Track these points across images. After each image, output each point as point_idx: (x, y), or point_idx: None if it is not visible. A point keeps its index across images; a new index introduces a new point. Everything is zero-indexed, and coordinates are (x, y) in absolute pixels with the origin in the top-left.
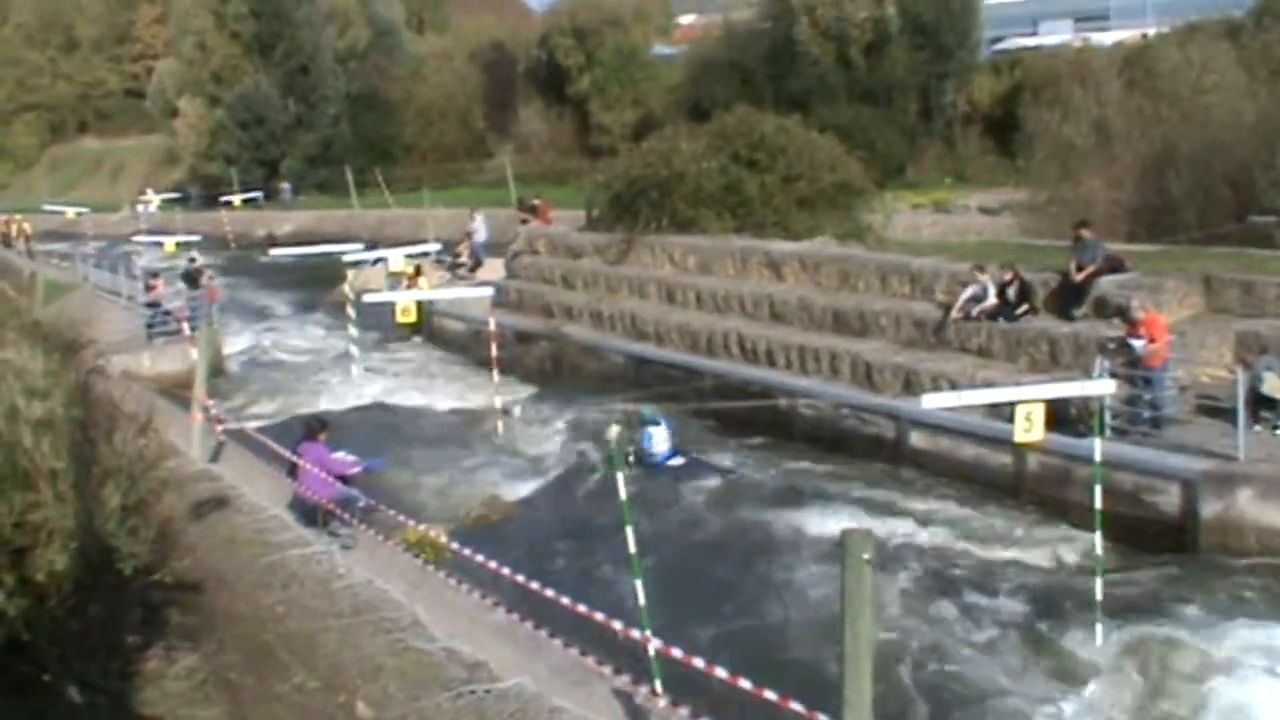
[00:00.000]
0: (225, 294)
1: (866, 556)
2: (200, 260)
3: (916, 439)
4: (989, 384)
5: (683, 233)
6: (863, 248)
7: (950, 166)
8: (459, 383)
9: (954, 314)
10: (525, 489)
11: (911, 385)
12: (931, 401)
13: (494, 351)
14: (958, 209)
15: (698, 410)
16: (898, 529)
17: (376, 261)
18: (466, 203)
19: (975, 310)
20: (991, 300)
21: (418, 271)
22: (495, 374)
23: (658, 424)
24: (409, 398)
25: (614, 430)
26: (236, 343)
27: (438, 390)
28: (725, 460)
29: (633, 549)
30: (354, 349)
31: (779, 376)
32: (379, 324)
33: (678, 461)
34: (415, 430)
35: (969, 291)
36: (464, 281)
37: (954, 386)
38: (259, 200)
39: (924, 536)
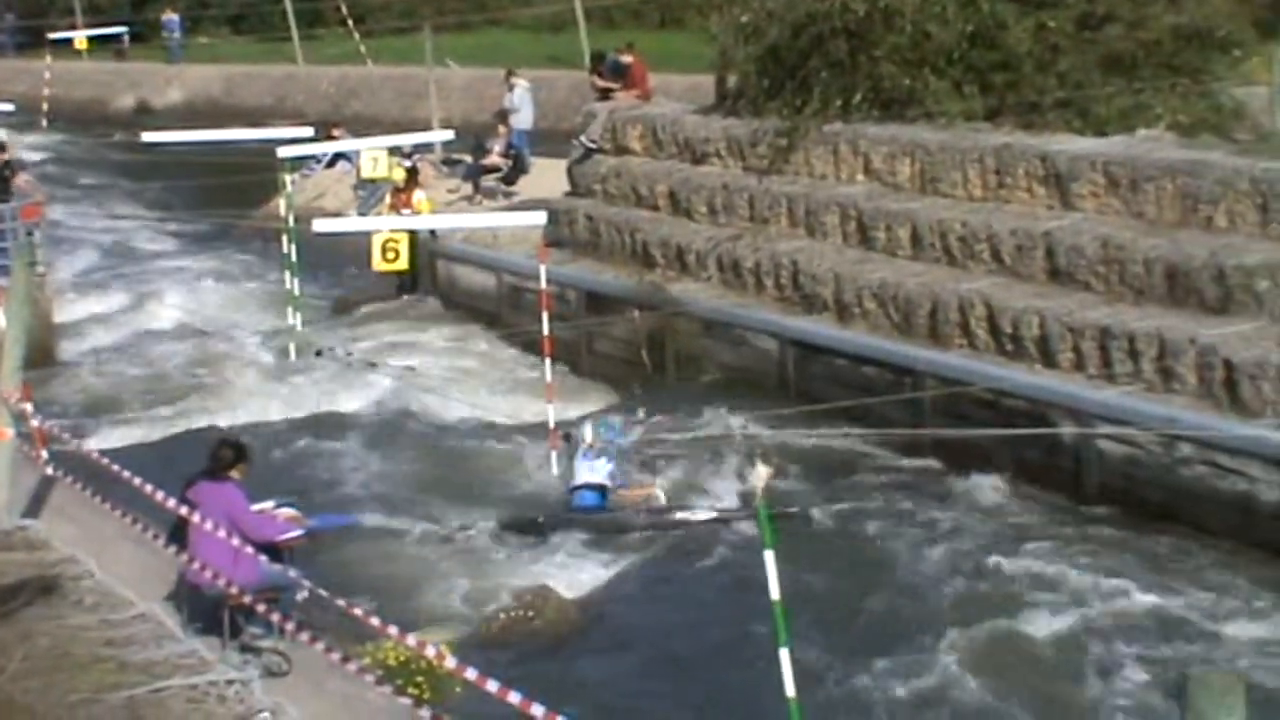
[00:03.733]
0: (57, 212)
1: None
2: (13, 150)
3: None
4: None
5: (891, 119)
6: (1227, 148)
7: None
8: (482, 380)
9: None
10: (596, 571)
11: None
12: None
13: (546, 326)
14: None
15: (910, 442)
16: None
17: (336, 160)
18: (500, 58)
19: None
20: None
21: (411, 179)
22: (548, 366)
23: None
24: (392, 404)
25: (761, 473)
26: (77, 303)
27: (443, 392)
28: (939, 515)
29: (792, 690)
30: (294, 316)
31: (1061, 384)
32: (341, 271)
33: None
34: (403, 463)
35: None
36: (493, 200)
37: None
38: (121, 41)
39: None
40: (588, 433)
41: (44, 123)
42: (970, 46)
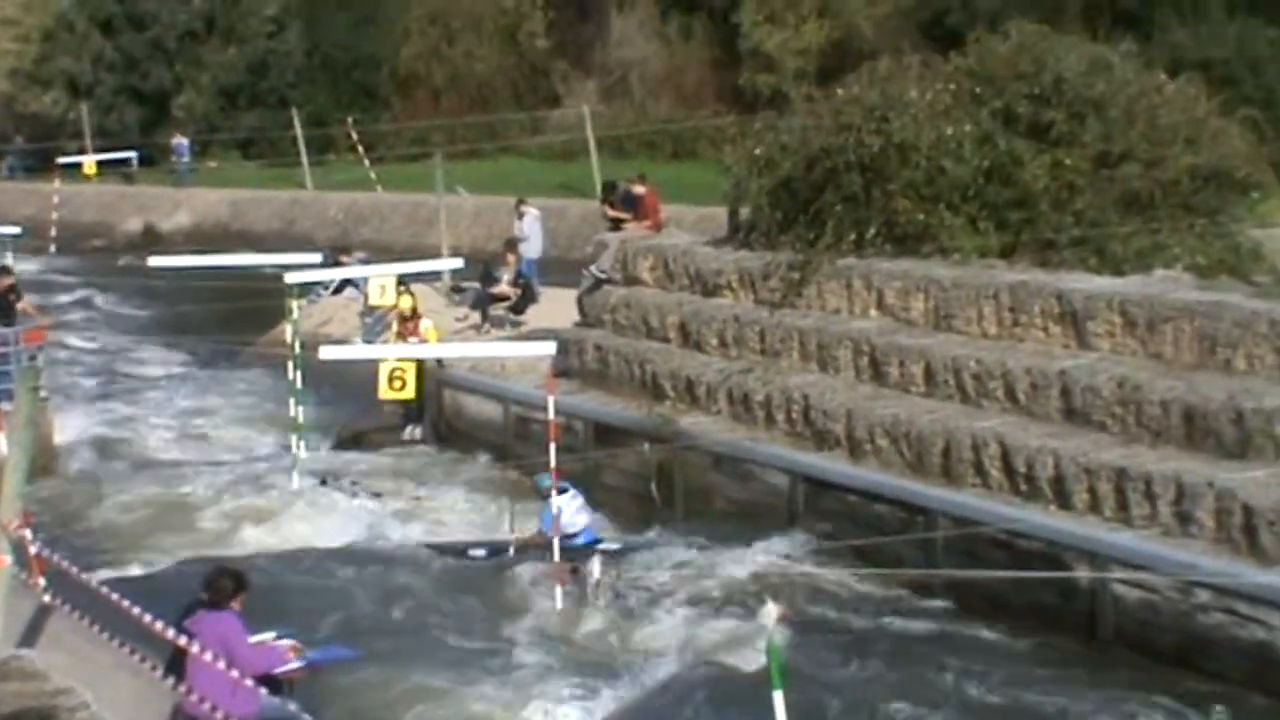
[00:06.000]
0: (59, 337)
1: None
2: (15, 273)
3: None
4: None
5: (905, 254)
6: (1246, 290)
7: None
8: (489, 511)
9: None
10: (608, 704)
11: None
12: None
13: (554, 458)
14: None
15: (921, 582)
16: None
17: (343, 286)
18: (511, 187)
19: None
20: None
21: (415, 308)
22: (555, 500)
23: (564, 491)
24: (397, 535)
25: (770, 612)
26: (77, 424)
27: (448, 524)
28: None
29: None
30: (298, 444)
31: (1076, 525)
32: (346, 398)
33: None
34: (406, 596)
35: None
36: (501, 329)
37: None
38: (131, 164)
39: None
40: (595, 567)
41: (51, 248)
42: (986, 183)
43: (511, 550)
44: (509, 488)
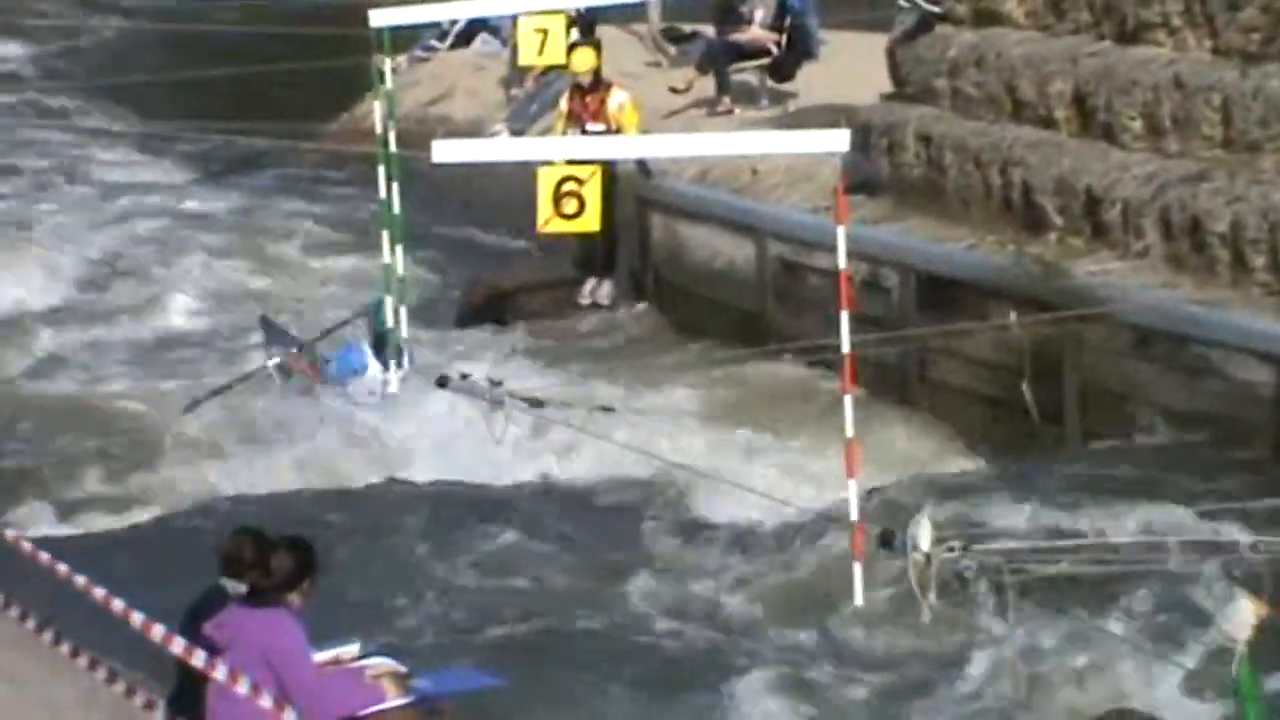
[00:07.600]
0: None
1: None
2: None
3: None
4: None
5: None
6: None
7: None
8: (730, 431)
9: None
10: None
11: None
12: None
13: (847, 338)
14: None
15: None
16: None
17: (471, 33)
18: None
19: None
20: None
21: (599, 75)
22: (849, 407)
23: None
24: (574, 471)
25: (1244, 613)
26: (11, 286)
27: (662, 452)
28: None
29: None
30: (395, 313)
31: None
32: (480, 229)
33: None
34: (590, 578)
35: None
36: (752, 107)
37: None
38: None
39: None
40: (923, 534)
41: None
42: None
43: (271, 365)
44: (762, 389)
